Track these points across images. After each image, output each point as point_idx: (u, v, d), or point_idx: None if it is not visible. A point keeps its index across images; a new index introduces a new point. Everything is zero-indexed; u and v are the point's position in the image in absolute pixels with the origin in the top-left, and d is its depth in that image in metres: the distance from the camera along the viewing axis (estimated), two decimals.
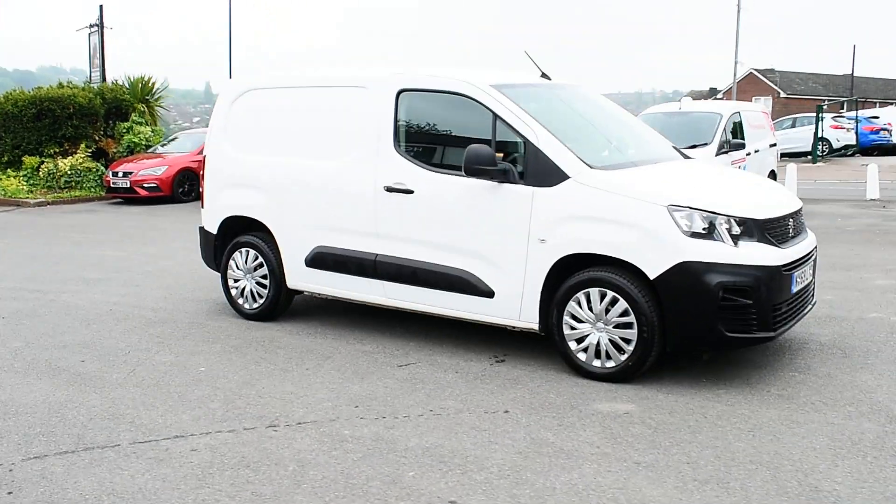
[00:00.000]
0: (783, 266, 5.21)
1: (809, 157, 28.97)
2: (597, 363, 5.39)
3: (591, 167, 5.44)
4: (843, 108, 51.20)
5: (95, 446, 4.50)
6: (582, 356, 5.45)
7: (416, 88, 6.21)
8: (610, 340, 5.32)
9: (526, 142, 5.58)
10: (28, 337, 6.81)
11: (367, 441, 4.51)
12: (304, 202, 6.70)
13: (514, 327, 5.80)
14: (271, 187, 6.92)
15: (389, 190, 6.13)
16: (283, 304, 7.13)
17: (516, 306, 5.66)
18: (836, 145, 29.56)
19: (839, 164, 27.95)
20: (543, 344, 6.08)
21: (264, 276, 7.08)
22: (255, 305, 7.18)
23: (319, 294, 6.92)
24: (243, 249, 7.18)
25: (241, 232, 7.27)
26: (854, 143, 30.66)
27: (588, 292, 5.35)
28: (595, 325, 5.36)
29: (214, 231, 7.41)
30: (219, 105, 7.43)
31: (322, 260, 6.62)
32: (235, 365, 5.96)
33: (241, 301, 7.28)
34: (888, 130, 32.23)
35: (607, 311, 5.30)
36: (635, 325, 5.20)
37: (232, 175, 7.24)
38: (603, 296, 5.30)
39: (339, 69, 6.87)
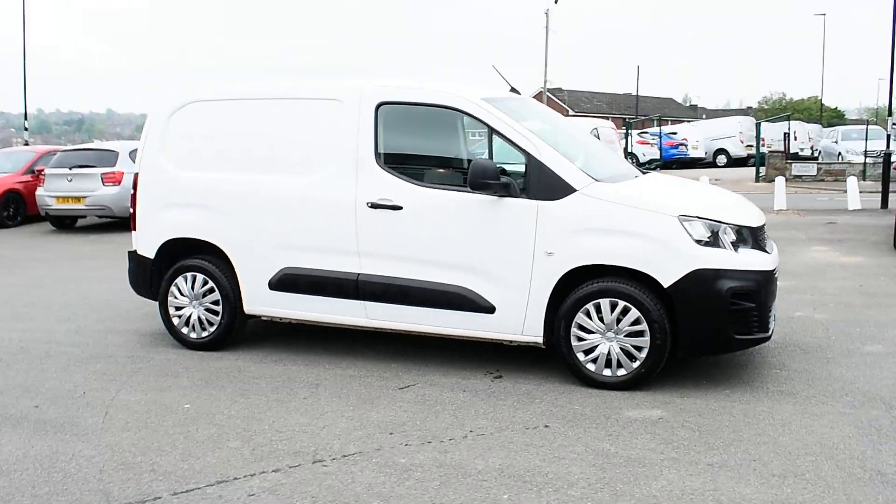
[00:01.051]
0: (773, 270, 5.60)
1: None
2: (607, 372, 5.50)
3: (596, 180, 5.56)
4: (628, 126, 55.39)
5: (135, 502, 3.96)
6: (591, 367, 5.53)
7: (398, 101, 6.05)
8: (622, 349, 5.45)
9: (528, 155, 5.60)
10: None
11: (431, 468, 4.32)
12: (266, 221, 6.29)
13: (514, 342, 5.79)
14: (224, 206, 6.43)
15: (374, 206, 5.91)
16: (236, 332, 6.64)
17: (519, 321, 5.66)
18: (642, 160, 32.03)
19: None
20: (531, 358, 6.12)
21: (215, 302, 6.56)
22: (205, 334, 6.63)
23: (284, 318, 6.52)
24: (188, 274, 6.62)
25: (184, 255, 6.69)
26: (658, 157, 33.40)
27: (598, 303, 5.46)
28: (605, 335, 5.47)
29: (151, 255, 6.76)
30: (153, 119, 6.81)
31: (291, 282, 6.24)
32: (221, 399, 5.47)
33: (185, 330, 6.70)
34: (685, 145, 35.48)
35: (618, 320, 5.43)
36: (647, 333, 5.37)
37: (173, 194, 6.65)
38: (614, 306, 5.42)
39: (307, 80, 6.53)
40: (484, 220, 5.69)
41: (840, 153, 30.59)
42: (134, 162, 7.42)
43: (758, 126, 29.40)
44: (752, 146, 34.91)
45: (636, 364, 5.43)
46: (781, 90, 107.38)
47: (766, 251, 5.65)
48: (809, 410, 5.07)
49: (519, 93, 6.74)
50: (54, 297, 9.08)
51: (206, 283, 6.57)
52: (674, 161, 34.52)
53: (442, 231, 5.81)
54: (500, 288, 5.67)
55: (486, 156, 5.86)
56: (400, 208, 5.86)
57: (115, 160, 15.15)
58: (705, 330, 5.35)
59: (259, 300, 6.43)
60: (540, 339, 5.66)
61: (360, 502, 3.94)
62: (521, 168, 5.75)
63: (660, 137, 34.11)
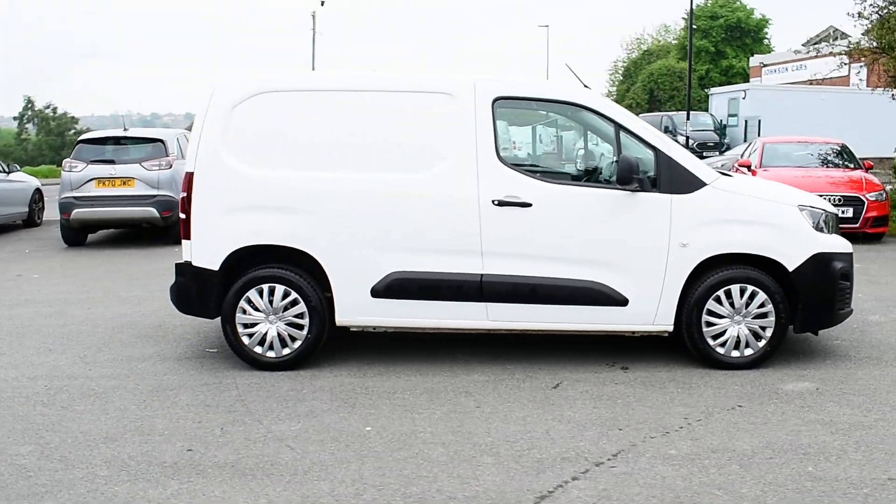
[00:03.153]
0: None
1: None
2: (735, 353, 5.89)
3: (721, 174, 5.92)
4: None
5: None
6: (720, 350, 5.89)
7: (515, 96, 5.95)
8: (750, 330, 5.87)
9: (657, 151, 5.81)
10: None
11: (705, 454, 4.42)
12: (369, 223, 5.84)
13: (644, 332, 5.97)
14: (316, 208, 5.85)
15: (501, 204, 5.76)
16: (320, 346, 6.07)
17: (651, 311, 5.85)
18: None
19: None
20: (638, 347, 6.34)
21: (299, 315, 5.94)
22: (286, 352, 5.97)
23: (388, 328, 6.09)
24: (266, 286, 5.91)
25: (253, 265, 5.97)
26: None
27: (729, 289, 5.82)
28: (733, 318, 5.86)
29: (216, 266, 5.93)
30: (212, 111, 5.95)
31: (401, 287, 5.85)
32: (392, 418, 5.03)
33: (259, 349, 5.98)
34: None
35: (747, 304, 5.84)
36: (773, 314, 5.84)
37: (244, 196, 5.91)
38: (743, 291, 5.83)
39: (411, 73, 6.10)
40: (617, 214, 5.80)
41: None
42: None
43: None
44: None
45: (762, 343, 5.89)
46: None
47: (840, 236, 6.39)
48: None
49: (590, 89, 6.86)
50: (65, 321, 7.63)
51: (286, 294, 5.92)
52: None
53: (574, 227, 5.82)
54: (634, 281, 5.82)
55: (613, 152, 5.94)
56: (529, 205, 5.76)
57: None
58: (819, 308, 5.94)
59: (358, 309, 5.94)
60: (670, 328, 5.90)
61: (703, 493, 3.95)
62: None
63: None
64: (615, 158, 5.98)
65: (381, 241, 5.85)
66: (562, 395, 5.42)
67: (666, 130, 30.09)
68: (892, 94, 15.76)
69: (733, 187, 5.91)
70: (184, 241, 6.03)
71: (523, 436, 4.72)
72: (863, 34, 15.35)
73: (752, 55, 50.62)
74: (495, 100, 5.87)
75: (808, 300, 5.89)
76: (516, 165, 5.90)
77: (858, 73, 28.85)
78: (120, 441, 4.69)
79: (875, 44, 14.79)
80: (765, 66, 47.06)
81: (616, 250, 5.82)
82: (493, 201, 5.76)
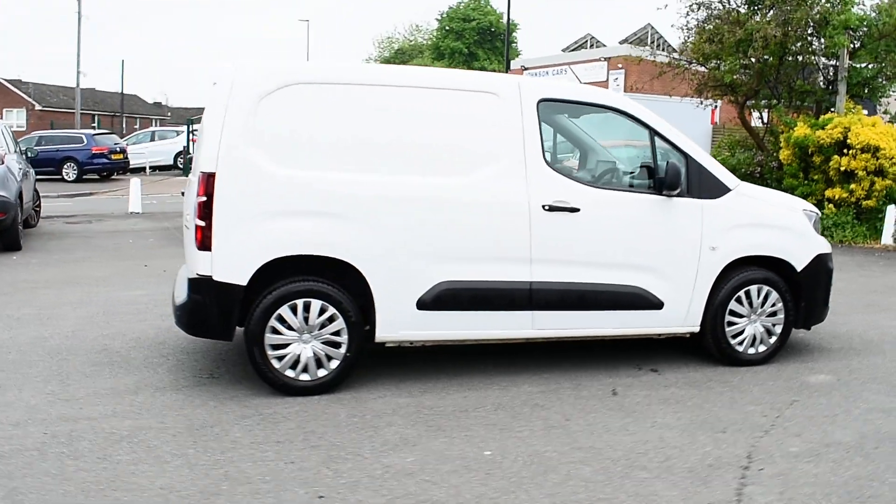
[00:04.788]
0: None
1: (178, 170, 29.94)
2: (751, 351, 6.22)
3: (739, 181, 6.20)
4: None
5: None
6: (739, 347, 6.18)
7: (558, 99, 5.80)
8: (764, 328, 6.21)
9: (688, 157, 5.96)
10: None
11: (836, 448, 4.61)
12: (416, 230, 5.40)
13: (674, 334, 6.09)
14: (358, 214, 5.30)
15: (551, 209, 5.59)
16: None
17: (683, 313, 6.00)
18: None
19: None
20: (645, 348, 6.46)
21: (337, 333, 5.34)
22: (322, 374, 5.35)
23: (432, 342, 5.64)
24: (301, 301, 5.25)
25: (282, 278, 5.27)
26: None
27: (749, 290, 6.13)
28: (750, 318, 6.17)
29: (243, 281, 5.15)
30: (235, 103, 5.15)
31: (451, 298, 5.46)
32: (498, 438, 4.70)
33: (290, 373, 5.30)
34: None
35: (763, 303, 6.18)
36: (782, 312, 6.24)
37: (276, 199, 5.20)
38: (759, 291, 6.16)
39: (455, 70, 5.66)
40: (656, 219, 5.87)
41: None
42: None
43: (189, 123, 28.79)
44: None
45: (773, 340, 6.26)
46: None
47: None
48: None
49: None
50: (23, 343, 5.93)
51: (323, 311, 5.30)
52: None
53: (618, 232, 5.80)
54: (669, 284, 5.92)
55: (649, 157, 5.97)
56: (577, 210, 5.65)
57: None
58: (816, 305, 6.43)
59: (402, 323, 5.46)
60: (697, 328, 6.08)
61: (866, 486, 4.11)
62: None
63: None
64: (643, 163, 6.06)
65: (428, 248, 5.43)
66: (631, 402, 5.38)
67: None
68: (701, 102, 17.41)
69: (752, 193, 6.23)
70: (199, 253, 5.17)
71: (645, 446, 4.62)
72: (682, 43, 16.80)
73: (503, 58, 53.64)
74: (539, 101, 5.69)
75: (809, 298, 6.35)
76: (564, 169, 5.76)
77: (616, 79, 31.74)
78: (226, 496, 3.92)
79: (694, 57, 16.22)
80: (526, 69, 50.20)
81: (654, 255, 5.88)
82: (543, 206, 5.58)
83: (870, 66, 15.29)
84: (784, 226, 6.25)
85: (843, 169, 13.77)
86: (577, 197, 5.67)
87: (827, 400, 5.48)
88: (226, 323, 5.24)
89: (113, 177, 28.28)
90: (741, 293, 6.11)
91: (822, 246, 6.41)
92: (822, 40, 14.25)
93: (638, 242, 5.84)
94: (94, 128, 44.41)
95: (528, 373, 5.91)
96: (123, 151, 27.86)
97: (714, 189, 6.00)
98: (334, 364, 5.36)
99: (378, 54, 67.07)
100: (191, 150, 29.64)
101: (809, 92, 15.90)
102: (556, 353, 6.34)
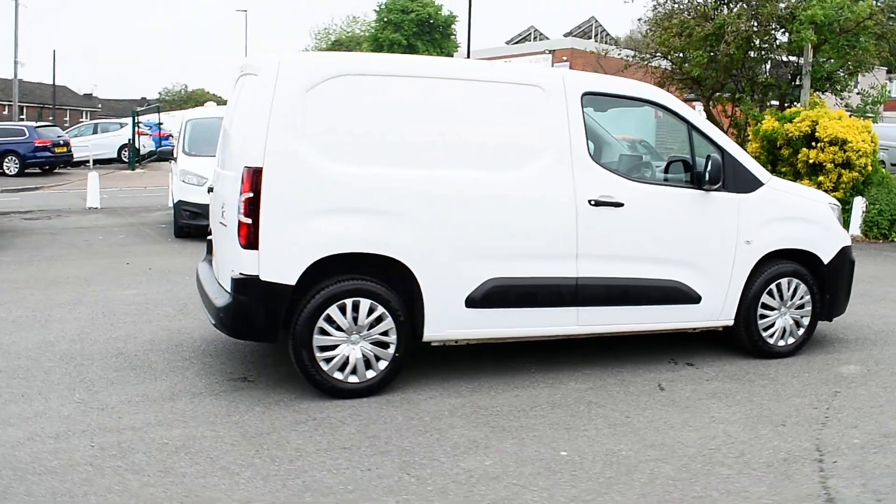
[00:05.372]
0: None
1: (122, 163, 29.02)
2: (781, 343, 6.27)
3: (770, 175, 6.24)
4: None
5: None
6: (770, 340, 6.23)
7: (601, 92, 5.72)
8: (793, 321, 6.28)
9: (723, 152, 5.96)
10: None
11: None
12: (467, 226, 5.27)
13: (710, 328, 6.10)
14: (408, 210, 5.14)
15: (597, 204, 5.53)
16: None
17: (719, 307, 6.01)
18: (143, 151, 30.00)
19: (158, 171, 28.70)
20: (679, 341, 6.46)
21: (385, 333, 5.19)
22: (370, 375, 5.19)
23: (479, 340, 5.52)
24: (350, 301, 5.07)
25: (329, 277, 5.08)
26: (154, 149, 31.64)
27: (780, 283, 6.18)
28: (780, 310, 6.23)
29: (292, 281, 4.94)
30: (281, 94, 4.92)
31: (500, 295, 5.36)
32: (566, 438, 4.63)
33: (338, 375, 5.12)
34: (172, 136, 34.26)
35: (792, 296, 6.24)
36: (810, 304, 6.31)
37: (324, 195, 5.01)
38: (790, 284, 6.21)
39: (499, 62, 5.52)
40: (694, 214, 5.87)
41: None
42: None
43: (134, 115, 28.24)
44: None
45: (801, 332, 6.33)
46: (184, 82, 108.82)
47: None
48: None
49: None
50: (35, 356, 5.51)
51: (371, 310, 5.13)
52: (166, 153, 33.12)
53: (660, 227, 5.77)
54: (706, 278, 5.92)
55: (687, 151, 5.94)
56: (621, 205, 5.60)
57: None
58: (839, 297, 6.52)
59: (450, 322, 5.33)
60: (731, 322, 6.11)
61: None
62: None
63: (159, 127, 32.38)
64: (674, 158, 6.05)
65: (478, 245, 5.31)
66: (680, 396, 5.37)
67: None
68: None
69: (783, 186, 6.28)
70: (244, 252, 4.93)
71: (714, 441, 4.61)
72: (645, 36, 16.96)
73: (442, 50, 53.70)
74: (583, 95, 5.61)
75: (833, 290, 6.43)
76: (607, 163, 5.70)
77: None
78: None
79: (658, 50, 16.39)
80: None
81: (693, 249, 5.88)
82: (589, 201, 5.51)
83: (831, 61, 15.67)
84: (813, 219, 6.31)
85: (811, 161, 14.08)
86: (621, 191, 5.62)
87: (866, 391, 5.56)
88: (273, 324, 5.02)
89: (56, 171, 27.22)
90: (772, 286, 6.16)
91: (846, 238, 6.50)
92: (790, 35, 14.52)
93: (678, 237, 5.82)
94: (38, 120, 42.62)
95: (569, 369, 5.84)
96: (67, 144, 26.80)
97: (749, 183, 6.02)
98: (383, 365, 5.20)
99: (315, 45, 66.12)
100: (137, 143, 28.79)
101: (773, 86, 16.23)
102: (589, 349, 6.27)
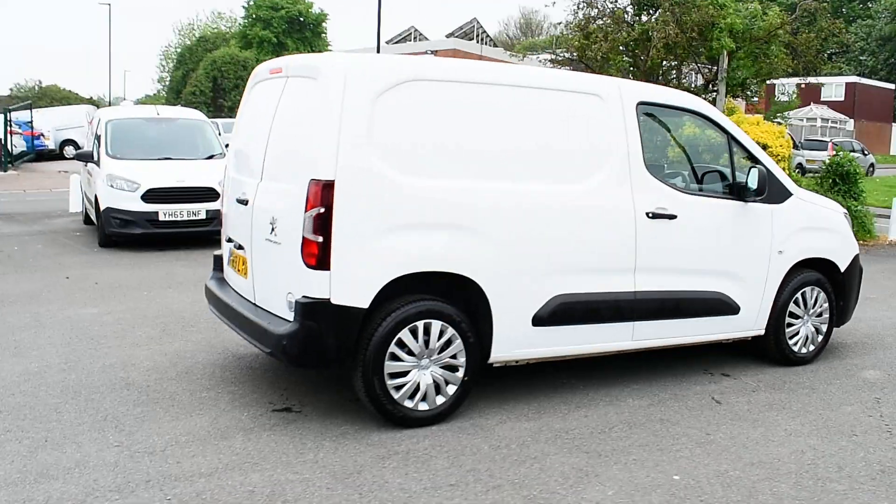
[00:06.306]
0: None
1: None
2: (804, 351, 6.39)
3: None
4: None
5: None
6: (795, 347, 6.33)
7: (654, 102, 5.63)
8: (814, 328, 6.42)
9: (759, 163, 5.99)
10: None
11: None
12: (535, 241, 5.04)
13: (743, 339, 6.13)
14: (479, 225, 4.85)
15: (654, 216, 5.43)
16: None
17: (754, 317, 6.06)
18: (15, 151, 27.70)
19: (34, 172, 26.63)
20: (704, 353, 6.46)
21: (454, 356, 4.88)
22: (440, 402, 4.87)
23: (540, 360, 5.29)
24: (421, 323, 4.73)
25: (402, 299, 4.72)
26: (27, 148, 29.29)
27: (804, 291, 6.30)
28: (803, 318, 6.35)
29: (365, 304, 4.55)
30: (351, 100, 4.50)
31: (566, 312, 5.16)
32: (674, 460, 4.48)
33: (409, 403, 4.77)
34: (44, 135, 31.91)
35: (814, 304, 6.38)
36: (827, 312, 6.47)
37: (400, 211, 4.64)
38: (812, 293, 6.34)
39: (558, 70, 5.26)
40: (735, 225, 5.87)
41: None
42: None
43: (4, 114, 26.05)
44: None
45: (820, 339, 6.48)
46: (38, 77, 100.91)
47: None
48: None
49: None
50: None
51: (442, 332, 4.81)
52: (38, 153, 30.85)
53: (707, 239, 5.74)
54: (744, 289, 5.95)
55: (727, 162, 5.92)
56: (674, 217, 5.53)
57: None
58: (849, 304, 6.72)
59: (517, 342, 5.08)
60: (762, 331, 6.16)
61: None
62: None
63: (31, 126, 29.96)
64: (709, 168, 6.05)
65: (546, 260, 5.08)
66: (740, 409, 5.34)
67: None
68: None
69: (808, 197, 6.38)
70: (311, 273, 4.49)
71: (804, 456, 4.59)
72: (560, 36, 17.19)
73: (313, 49, 52.86)
74: (638, 104, 5.49)
75: (846, 297, 6.62)
76: (659, 173, 5.60)
77: None
78: None
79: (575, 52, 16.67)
80: None
81: (734, 260, 5.88)
82: (647, 214, 5.40)
83: (742, 70, 16.40)
84: (833, 228, 6.47)
85: None
86: (674, 203, 5.54)
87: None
88: (343, 351, 4.60)
89: None
90: (797, 295, 6.26)
91: (856, 246, 6.71)
92: (710, 42, 15.07)
93: (721, 248, 5.82)
94: None
95: (618, 385, 5.71)
96: None
97: (781, 193, 6.09)
98: (451, 390, 4.89)
99: (179, 42, 63.62)
100: (8, 143, 26.53)
101: (690, 92, 16.82)
102: (616, 362, 6.16)
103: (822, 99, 49.71)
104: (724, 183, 6.06)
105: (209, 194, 11.16)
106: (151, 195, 10.96)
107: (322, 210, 4.44)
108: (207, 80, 48.31)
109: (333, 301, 4.50)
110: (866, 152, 32.83)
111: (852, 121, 50.48)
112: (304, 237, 4.51)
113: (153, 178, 11.08)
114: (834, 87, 51.59)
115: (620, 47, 15.91)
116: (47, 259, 10.34)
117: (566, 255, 5.15)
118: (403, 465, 4.30)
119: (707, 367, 6.21)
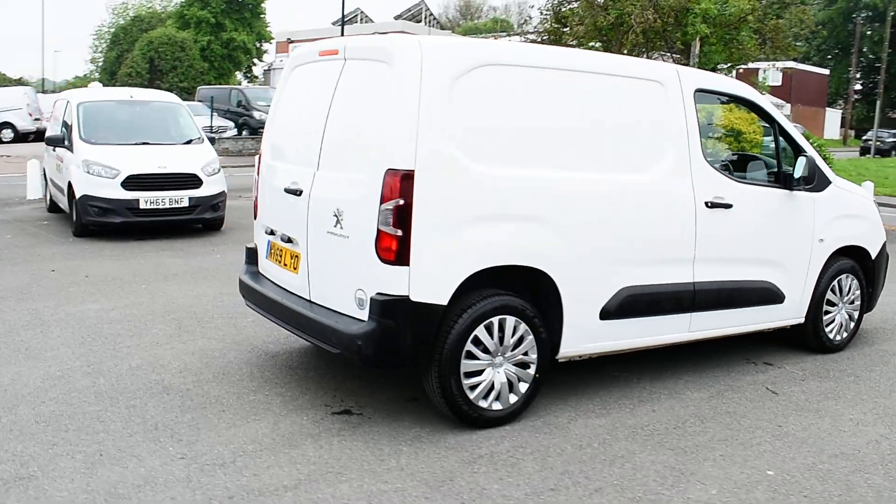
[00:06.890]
0: None
1: None
2: (839, 338, 6.42)
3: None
4: None
5: None
6: (831, 335, 6.35)
7: (710, 90, 5.52)
8: (848, 316, 6.45)
9: (802, 151, 5.96)
10: None
11: None
12: (605, 232, 4.89)
13: (786, 326, 6.11)
14: (553, 216, 4.68)
15: (712, 206, 5.34)
16: None
17: (797, 305, 6.05)
18: None
19: None
20: (740, 342, 6.43)
21: (526, 352, 4.71)
22: (513, 400, 4.70)
23: (605, 354, 5.14)
24: (496, 319, 4.54)
25: (476, 294, 4.52)
26: None
27: (840, 279, 6.31)
28: (839, 306, 6.37)
29: (444, 300, 4.33)
30: (429, 85, 4.25)
31: (631, 304, 5.03)
32: (750, 465, 4.41)
33: (483, 403, 4.59)
34: None
35: (848, 291, 6.40)
36: (859, 299, 6.51)
37: (477, 201, 4.43)
38: (847, 280, 6.37)
39: (620, 57, 5.07)
40: (782, 213, 5.84)
41: None
42: None
43: None
44: (39, 119, 32.70)
45: (853, 326, 6.52)
46: None
47: None
48: None
49: None
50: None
51: (515, 328, 4.63)
52: None
53: (759, 228, 5.69)
54: (789, 277, 5.93)
55: (772, 151, 5.86)
56: (730, 206, 5.45)
57: None
58: (877, 290, 6.78)
59: (585, 336, 4.93)
60: (802, 319, 6.16)
61: None
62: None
63: None
64: (746, 157, 6.00)
65: (614, 252, 4.95)
66: (797, 399, 5.33)
67: (239, 105, 29.34)
68: None
69: (844, 185, 6.39)
70: (388, 269, 4.25)
71: (879, 446, 4.60)
72: (539, 22, 17.10)
73: (252, 30, 51.92)
74: (696, 91, 5.37)
75: (874, 284, 6.67)
76: (715, 162, 5.51)
77: None
78: None
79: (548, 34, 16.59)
80: (292, 42, 48.77)
81: (780, 249, 5.85)
82: (706, 203, 5.30)
83: (714, 56, 16.55)
84: (865, 215, 6.50)
85: None
86: (729, 192, 5.46)
87: None
88: (420, 350, 4.38)
89: None
90: (834, 283, 6.28)
91: (884, 233, 6.76)
92: (685, 27, 15.14)
93: (770, 237, 5.78)
94: None
95: (671, 378, 5.63)
96: None
97: (822, 182, 6.07)
98: (524, 387, 4.72)
99: (112, 21, 61.39)
100: None
101: None
102: (656, 353, 6.07)
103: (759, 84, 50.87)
104: (769, 171, 6.01)
105: (192, 181, 10.71)
106: (132, 182, 10.44)
107: (401, 202, 4.20)
108: (144, 61, 46.78)
109: (413, 298, 4.27)
110: (808, 137, 33.74)
111: (789, 105, 51.78)
112: (379, 230, 4.27)
113: (133, 165, 10.55)
114: (770, 72, 52.86)
115: (594, 33, 15.87)
116: (22, 250, 9.76)
117: (632, 246, 5.02)
118: (494, 470, 4.12)
119: (748, 357, 6.17)
